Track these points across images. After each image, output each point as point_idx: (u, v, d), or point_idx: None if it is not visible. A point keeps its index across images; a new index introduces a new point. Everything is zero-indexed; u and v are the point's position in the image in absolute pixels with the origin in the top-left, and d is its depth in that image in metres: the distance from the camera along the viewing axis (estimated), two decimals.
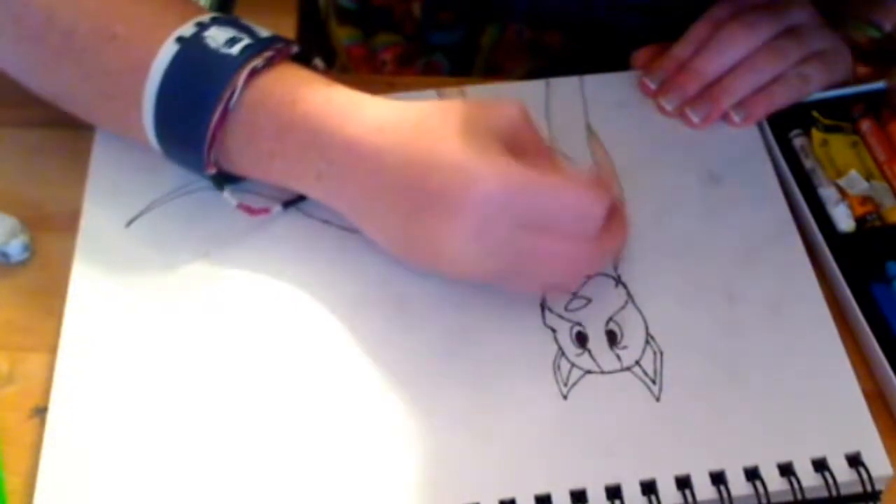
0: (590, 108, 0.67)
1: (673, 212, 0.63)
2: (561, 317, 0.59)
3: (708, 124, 0.66)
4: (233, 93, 0.56)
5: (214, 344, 0.58)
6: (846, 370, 0.57)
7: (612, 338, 0.58)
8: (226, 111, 0.56)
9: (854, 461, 0.53)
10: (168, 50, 0.57)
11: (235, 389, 0.56)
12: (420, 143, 0.54)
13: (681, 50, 0.67)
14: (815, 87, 0.67)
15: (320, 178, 0.57)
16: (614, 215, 0.57)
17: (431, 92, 0.68)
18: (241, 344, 0.58)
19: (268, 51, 0.57)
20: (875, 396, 0.57)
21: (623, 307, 0.59)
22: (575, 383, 0.56)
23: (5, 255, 0.62)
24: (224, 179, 0.60)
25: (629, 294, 0.59)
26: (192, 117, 0.57)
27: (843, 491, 0.53)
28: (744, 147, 0.66)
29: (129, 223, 0.62)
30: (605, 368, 0.57)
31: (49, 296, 0.60)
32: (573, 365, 0.57)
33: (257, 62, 0.57)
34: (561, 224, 0.54)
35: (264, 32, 0.59)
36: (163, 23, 0.58)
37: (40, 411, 0.56)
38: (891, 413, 0.57)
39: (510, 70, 0.84)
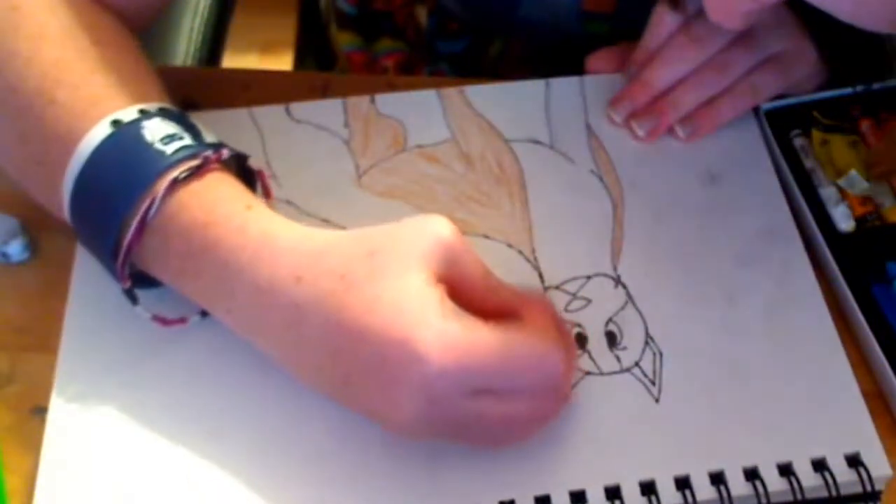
0: (590, 108, 0.67)
1: (673, 212, 0.63)
2: None
3: (653, 139, 0.65)
4: (152, 202, 0.52)
5: (216, 342, 0.57)
6: (846, 370, 0.57)
7: (611, 339, 0.58)
8: (143, 223, 0.52)
9: (853, 461, 0.53)
10: (100, 131, 0.53)
11: (237, 388, 0.56)
12: (346, 301, 0.49)
13: (637, 59, 0.67)
14: (766, 95, 0.66)
15: (230, 312, 0.53)
16: (559, 332, 0.52)
17: (432, 92, 0.68)
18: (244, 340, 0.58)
19: (197, 158, 0.53)
20: (875, 396, 0.57)
21: (622, 308, 0.59)
22: (574, 385, 0.56)
23: (5, 255, 0.62)
24: (142, 282, 0.56)
25: (629, 294, 0.59)
26: (107, 214, 0.53)
27: (843, 491, 0.53)
28: (744, 147, 0.66)
29: None
30: (605, 370, 0.57)
31: (49, 296, 0.60)
32: None
33: (179, 172, 0.52)
34: (515, 386, 0.50)
35: (209, 136, 0.55)
36: (106, 100, 0.54)
37: (40, 411, 0.56)
38: (890, 413, 0.57)
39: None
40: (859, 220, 0.62)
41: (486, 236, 0.62)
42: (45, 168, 0.55)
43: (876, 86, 0.67)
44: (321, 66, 0.94)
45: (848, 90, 0.67)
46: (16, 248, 0.62)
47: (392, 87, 0.69)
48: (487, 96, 0.68)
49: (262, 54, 1.53)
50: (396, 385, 0.48)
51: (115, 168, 0.53)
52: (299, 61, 1.01)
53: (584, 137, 0.66)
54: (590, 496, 0.53)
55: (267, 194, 0.58)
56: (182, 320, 0.57)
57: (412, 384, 0.48)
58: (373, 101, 0.68)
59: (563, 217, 0.63)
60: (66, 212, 0.55)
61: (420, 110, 0.67)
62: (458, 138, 0.66)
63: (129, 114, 0.54)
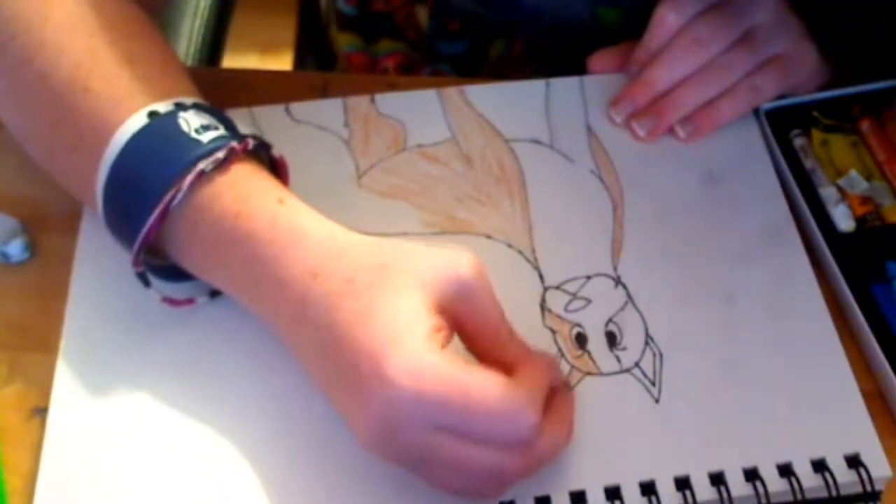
0: (590, 108, 0.67)
1: (673, 212, 0.63)
2: (560, 318, 0.59)
3: (653, 138, 0.65)
4: (176, 192, 0.52)
5: (217, 342, 0.58)
6: (845, 371, 0.57)
7: (611, 339, 0.58)
8: (165, 212, 0.53)
9: (853, 462, 0.53)
10: (136, 121, 0.54)
11: (237, 388, 0.56)
12: (342, 305, 0.49)
13: (639, 61, 0.67)
14: (766, 96, 0.66)
15: (253, 301, 0.54)
16: (557, 402, 0.52)
17: (432, 92, 0.68)
18: (245, 341, 0.58)
19: (222, 150, 0.53)
20: (875, 396, 0.57)
21: (623, 308, 0.59)
22: (574, 385, 0.56)
23: (5, 255, 0.62)
24: (161, 270, 0.57)
25: (629, 295, 0.59)
26: (139, 201, 0.53)
27: (843, 491, 0.53)
28: (744, 147, 0.66)
29: None
30: (605, 370, 0.57)
31: (49, 296, 0.60)
32: (573, 367, 0.57)
33: (206, 164, 0.53)
34: (480, 432, 0.48)
35: (244, 129, 0.56)
36: (142, 91, 0.55)
37: (40, 411, 0.56)
38: (890, 413, 0.57)
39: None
40: (859, 220, 0.62)
41: (487, 236, 0.62)
42: (78, 154, 0.56)
43: (876, 86, 0.67)
44: (321, 67, 0.94)
45: (848, 90, 0.67)
46: (16, 248, 0.62)
47: (392, 87, 0.69)
48: (487, 96, 0.68)
49: (262, 54, 1.52)
50: (362, 399, 0.48)
51: (151, 156, 0.54)
52: (299, 62, 1.01)
53: (584, 137, 0.66)
54: (590, 496, 0.53)
55: (284, 183, 0.58)
56: (190, 300, 0.58)
57: (376, 403, 0.48)
58: (373, 101, 0.68)
59: (563, 217, 0.63)
60: (97, 198, 0.55)
61: (420, 110, 0.67)
62: (458, 138, 0.66)
63: (165, 106, 0.55)
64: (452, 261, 0.50)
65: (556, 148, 0.66)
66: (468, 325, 0.51)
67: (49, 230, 0.63)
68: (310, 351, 0.52)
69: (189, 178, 0.53)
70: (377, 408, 0.48)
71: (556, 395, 0.52)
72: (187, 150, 0.53)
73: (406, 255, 0.51)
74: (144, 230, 0.53)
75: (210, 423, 0.55)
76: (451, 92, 0.68)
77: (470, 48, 0.84)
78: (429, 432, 0.48)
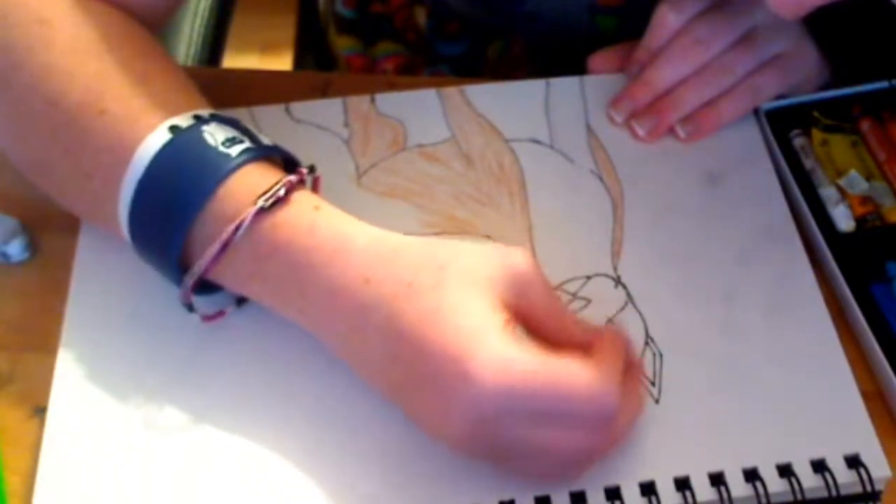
0: (590, 108, 0.67)
1: (673, 212, 0.63)
2: None
3: (654, 138, 0.65)
4: (239, 226, 0.52)
5: (216, 342, 0.58)
6: (845, 370, 0.57)
7: None
8: (225, 247, 0.52)
9: (853, 462, 0.53)
10: (159, 137, 0.53)
11: (238, 388, 0.56)
12: (408, 309, 0.49)
13: (639, 59, 0.67)
14: (767, 96, 0.66)
15: (302, 312, 0.53)
16: (628, 376, 0.52)
17: (432, 91, 0.68)
18: (244, 340, 0.58)
19: (264, 160, 0.54)
20: (875, 397, 0.57)
21: (623, 308, 0.59)
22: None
23: (5, 255, 0.62)
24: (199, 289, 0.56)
25: (629, 294, 0.59)
26: (173, 220, 0.53)
27: (843, 492, 0.53)
28: (744, 147, 0.66)
29: None
30: None
31: (49, 296, 0.60)
32: None
33: (265, 201, 0.52)
34: (571, 417, 0.49)
35: (265, 139, 0.55)
36: (158, 107, 0.54)
37: (40, 411, 0.56)
38: (890, 413, 0.57)
39: None
40: (859, 220, 0.62)
41: (487, 236, 0.62)
42: (96, 180, 0.55)
43: (876, 86, 0.67)
44: (321, 69, 0.94)
45: (848, 90, 0.67)
46: (16, 248, 0.62)
47: (392, 87, 0.69)
48: (487, 96, 0.68)
49: (262, 54, 1.53)
50: (446, 401, 0.48)
51: (180, 172, 0.53)
52: (299, 61, 1.01)
53: (584, 137, 0.66)
54: (590, 497, 0.53)
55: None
56: (221, 313, 0.58)
57: (462, 403, 0.48)
58: (373, 100, 0.68)
59: (563, 217, 0.63)
60: (121, 221, 0.54)
61: (420, 110, 0.67)
62: (458, 138, 0.66)
63: (184, 119, 0.54)
64: (508, 257, 0.51)
65: (556, 148, 0.66)
66: (532, 316, 0.51)
67: (49, 230, 0.63)
68: (374, 359, 0.51)
69: (250, 214, 0.51)
70: (465, 408, 0.47)
71: (629, 369, 0.52)
72: (217, 166, 0.52)
73: (462, 255, 0.51)
74: (202, 266, 0.52)
75: (209, 422, 0.55)
76: (451, 92, 0.68)
77: (468, 49, 0.84)
78: (519, 424, 0.48)
